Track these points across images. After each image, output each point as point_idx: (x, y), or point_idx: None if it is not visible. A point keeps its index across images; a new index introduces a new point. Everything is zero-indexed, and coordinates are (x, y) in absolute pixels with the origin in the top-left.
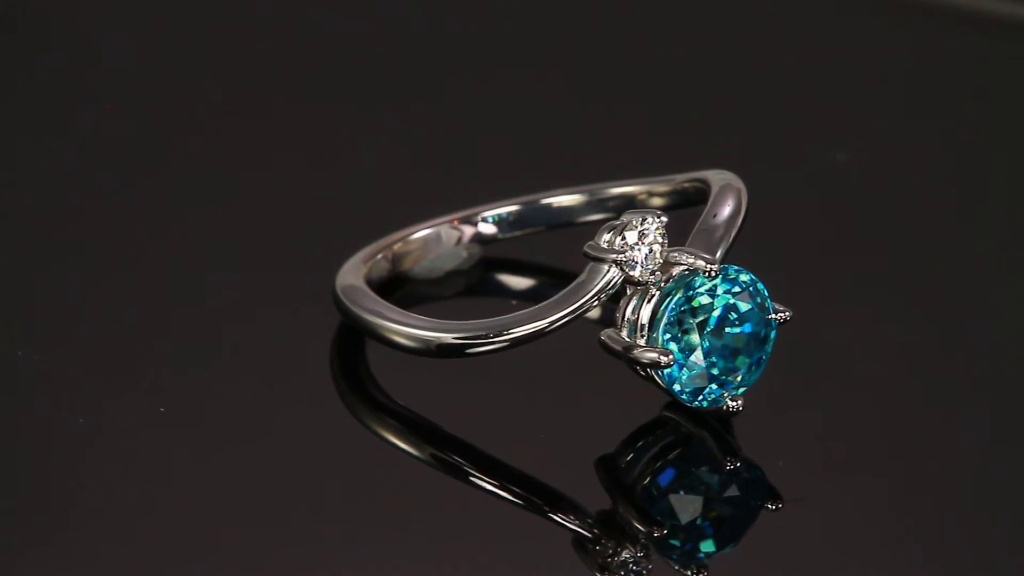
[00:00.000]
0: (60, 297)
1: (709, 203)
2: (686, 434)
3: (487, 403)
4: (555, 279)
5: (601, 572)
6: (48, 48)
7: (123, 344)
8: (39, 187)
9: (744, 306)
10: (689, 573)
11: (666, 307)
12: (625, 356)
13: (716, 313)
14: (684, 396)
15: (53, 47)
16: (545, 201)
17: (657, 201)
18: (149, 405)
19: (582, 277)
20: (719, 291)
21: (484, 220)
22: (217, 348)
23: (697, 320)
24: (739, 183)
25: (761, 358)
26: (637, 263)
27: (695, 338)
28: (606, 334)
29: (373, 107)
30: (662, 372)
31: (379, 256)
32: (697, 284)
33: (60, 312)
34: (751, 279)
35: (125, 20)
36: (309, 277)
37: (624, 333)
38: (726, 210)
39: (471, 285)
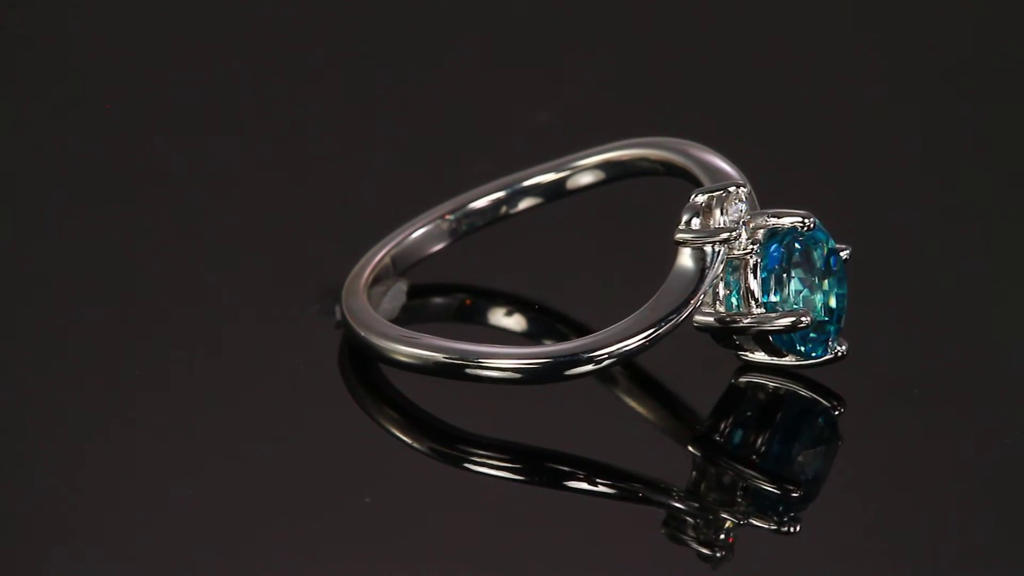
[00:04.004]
0: (61, 302)
1: (704, 173)
2: (768, 396)
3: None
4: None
5: (704, 548)
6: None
7: (122, 345)
8: (38, 188)
9: (836, 247)
10: (786, 529)
11: (773, 266)
12: (745, 329)
13: (826, 256)
14: (807, 349)
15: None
16: (530, 180)
17: (645, 165)
18: (153, 406)
19: (681, 266)
20: (816, 237)
21: (477, 208)
22: (218, 349)
23: (820, 268)
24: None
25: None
26: (741, 237)
27: (825, 284)
28: (702, 313)
29: (337, 105)
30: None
31: (370, 272)
32: (789, 239)
33: (62, 318)
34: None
35: (123, 19)
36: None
37: (721, 308)
38: (733, 172)
39: (413, 316)
